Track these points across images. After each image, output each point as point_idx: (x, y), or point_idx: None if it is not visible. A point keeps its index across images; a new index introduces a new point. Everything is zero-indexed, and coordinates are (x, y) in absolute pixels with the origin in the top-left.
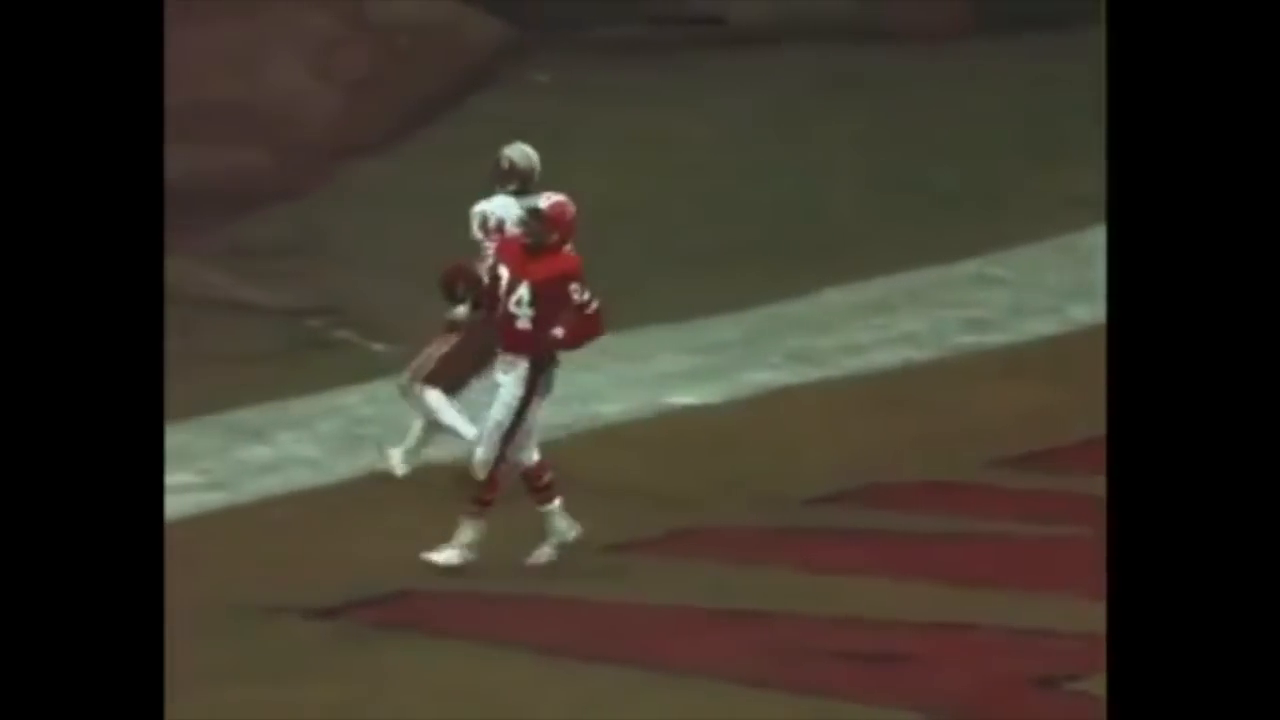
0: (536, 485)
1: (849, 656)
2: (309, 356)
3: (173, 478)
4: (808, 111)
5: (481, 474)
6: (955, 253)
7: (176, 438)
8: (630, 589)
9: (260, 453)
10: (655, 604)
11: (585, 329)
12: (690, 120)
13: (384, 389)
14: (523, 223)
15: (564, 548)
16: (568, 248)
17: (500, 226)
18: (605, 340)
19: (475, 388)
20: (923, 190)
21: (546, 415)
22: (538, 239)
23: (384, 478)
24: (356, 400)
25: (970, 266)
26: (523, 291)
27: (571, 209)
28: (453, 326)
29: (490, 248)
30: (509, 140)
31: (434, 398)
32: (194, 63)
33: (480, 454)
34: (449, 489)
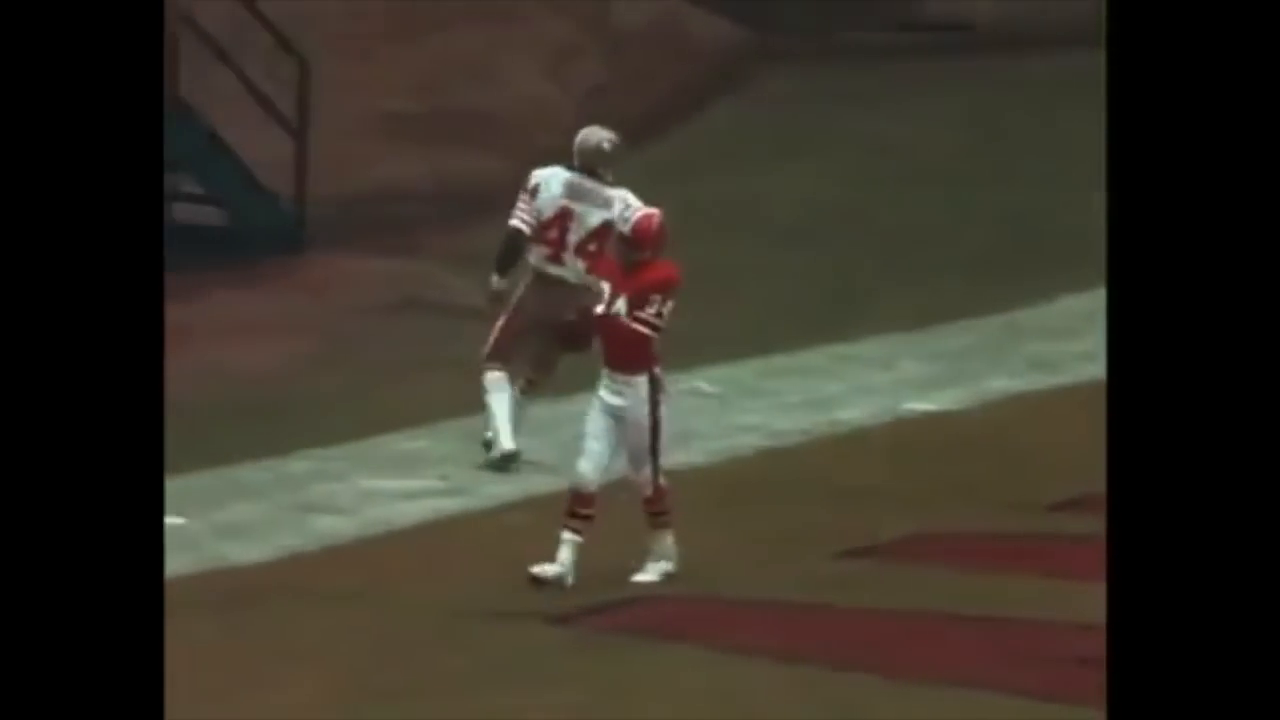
0: (657, 508)
1: (1090, 662)
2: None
3: (411, 483)
4: (1048, 116)
5: (649, 490)
6: None
7: (415, 443)
8: (868, 594)
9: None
10: (893, 609)
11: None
12: (929, 125)
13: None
14: (618, 240)
15: (667, 577)
16: (664, 258)
17: (535, 190)
18: (844, 348)
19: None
20: None
21: (788, 421)
22: (628, 257)
23: (622, 485)
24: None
25: None
26: (620, 306)
27: (654, 220)
28: (496, 298)
29: (523, 204)
30: (743, 146)
31: (493, 383)
32: (437, 70)
33: (640, 477)
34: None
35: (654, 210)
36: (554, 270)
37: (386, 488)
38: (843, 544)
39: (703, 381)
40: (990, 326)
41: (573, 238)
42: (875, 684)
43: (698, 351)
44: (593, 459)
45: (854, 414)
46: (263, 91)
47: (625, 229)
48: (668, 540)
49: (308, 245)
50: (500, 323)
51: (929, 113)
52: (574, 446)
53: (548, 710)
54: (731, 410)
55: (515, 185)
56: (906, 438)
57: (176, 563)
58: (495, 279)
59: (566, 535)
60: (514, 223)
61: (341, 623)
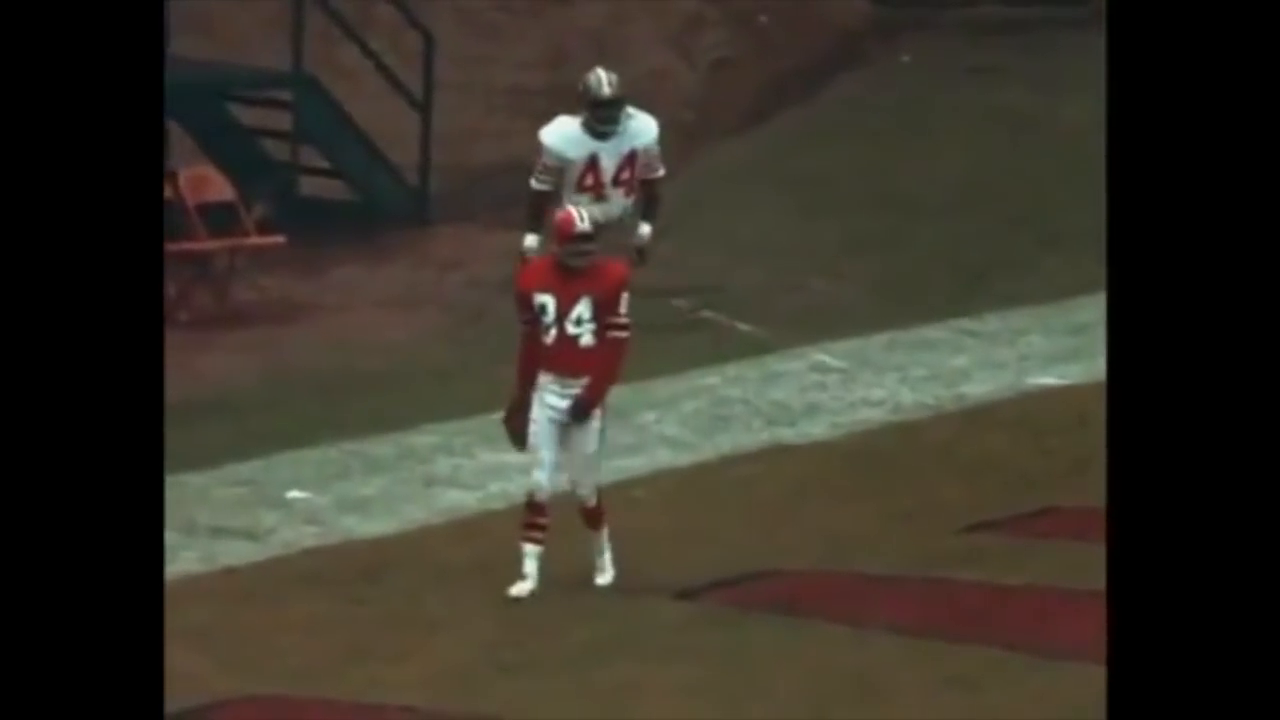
0: (590, 515)
1: None
2: (673, 336)
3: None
4: None
5: (594, 500)
6: None
7: None
8: (993, 569)
9: (623, 432)
10: (1017, 584)
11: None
12: (1051, 99)
13: (749, 369)
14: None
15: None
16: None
17: (552, 152)
18: (970, 322)
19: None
20: None
21: (913, 395)
22: (572, 261)
23: (746, 458)
24: (719, 381)
25: None
26: (582, 309)
27: (564, 217)
28: (524, 258)
29: (542, 165)
30: (869, 120)
31: None
32: (560, 43)
33: (585, 488)
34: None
35: (571, 208)
36: (598, 210)
37: (511, 461)
38: (968, 519)
39: (828, 355)
40: None
41: (607, 174)
42: (997, 657)
43: (823, 325)
44: (546, 468)
45: (980, 388)
46: (388, 66)
47: (644, 149)
48: (602, 536)
49: (432, 219)
50: None
51: (1056, 85)
52: (697, 421)
53: (671, 684)
54: (857, 384)
55: None
56: (1032, 412)
57: (301, 536)
58: (528, 238)
59: (528, 548)
60: (534, 184)
61: (465, 596)
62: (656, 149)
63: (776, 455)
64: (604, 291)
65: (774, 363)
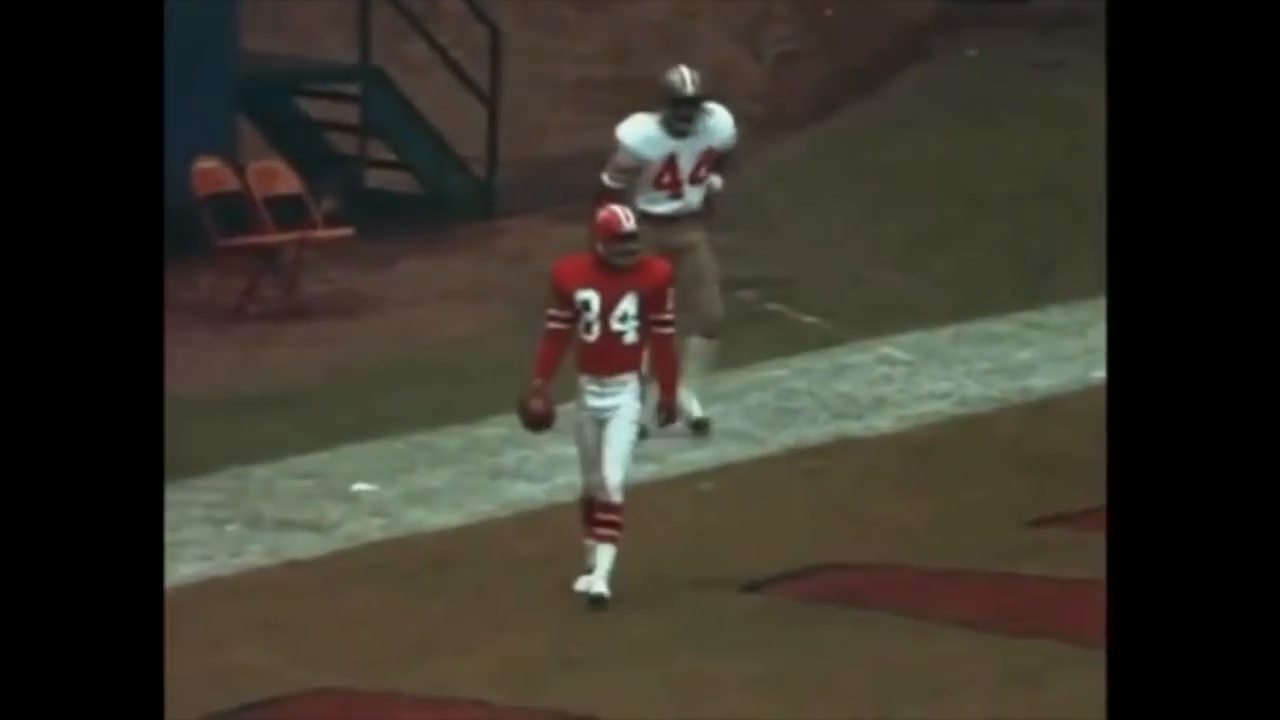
0: (609, 519)
1: None
2: (740, 329)
3: None
4: None
5: (619, 497)
6: None
7: None
8: (1058, 563)
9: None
10: (1083, 578)
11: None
12: None
13: (816, 362)
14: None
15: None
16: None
17: (629, 150)
18: (1035, 315)
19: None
20: None
21: (979, 388)
22: (618, 261)
23: (812, 451)
24: (785, 373)
25: None
26: (628, 306)
27: (608, 216)
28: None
29: (616, 163)
30: (934, 114)
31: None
32: (627, 37)
33: (615, 478)
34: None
35: (615, 206)
36: (673, 206)
37: (577, 453)
38: (1033, 513)
39: (893, 348)
40: None
41: (685, 173)
42: (1061, 651)
43: (889, 318)
44: (594, 467)
45: (1045, 382)
46: (455, 60)
47: (721, 145)
48: (610, 555)
49: (498, 212)
50: None
51: None
52: (763, 414)
53: (738, 677)
54: (922, 377)
55: None
56: (1098, 405)
57: (367, 529)
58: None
59: (592, 543)
60: (607, 182)
61: (533, 588)
62: (733, 144)
63: (842, 448)
64: (650, 288)
65: (840, 355)
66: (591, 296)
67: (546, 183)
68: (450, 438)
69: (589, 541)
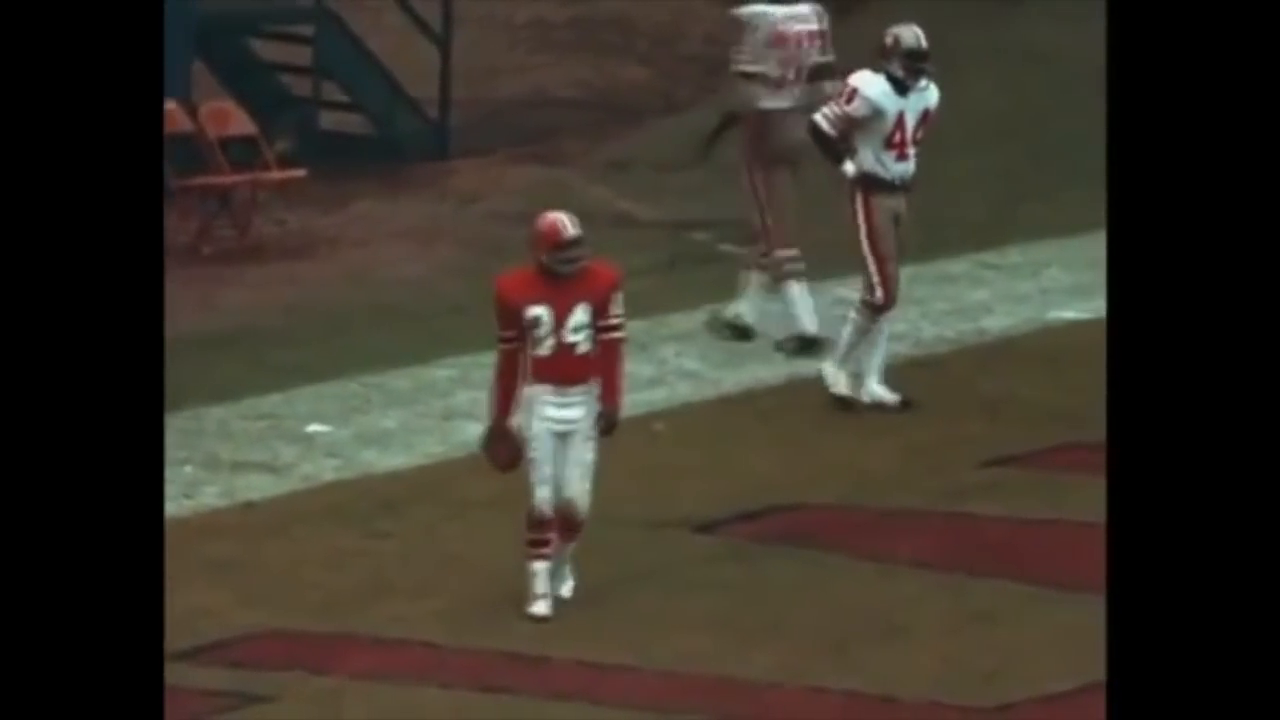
0: (573, 525)
1: None
2: (693, 270)
3: None
4: None
5: (584, 516)
6: None
7: None
8: (1012, 504)
9: (643, 365)
10: (1035, 518)
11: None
12: (1074, 32)
13: (769, 302)
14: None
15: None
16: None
17: (861, 100)
18: (991, 256)
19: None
20: None
21: (934, 329)
22: (560, 268)
23: (766, 392)
24: (739, 313)
25: None
26: (580, 316)
27: (550, 224)
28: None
29: (839, 109)
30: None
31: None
32: None
33: (584, 501)
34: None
35: (553, 214)
36: (903, 169)
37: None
38: (989, 453)
39: (848, 289)
40: None
41: (909, 132)
42: (1016, 591)
43: (843, 260)
44: (549, 483)
45: (1001, 322)
46: (407, 1)
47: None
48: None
49: (451, 153)
50: (870, 240)
51: (1079, 18)
52: (718, 355)
53: (692, 617)
54: None
55: (657, 94)
56: (1054, 346)
57: (320, 469)
58: (848, 166)
59: (538, 566)
60: (823, 125)
61: (484, 530)
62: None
63: (797, 389)
64: (599, 296)
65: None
66: (542, 312)
67: (499, 124)
68: (402, 379)
69: (535, 565)
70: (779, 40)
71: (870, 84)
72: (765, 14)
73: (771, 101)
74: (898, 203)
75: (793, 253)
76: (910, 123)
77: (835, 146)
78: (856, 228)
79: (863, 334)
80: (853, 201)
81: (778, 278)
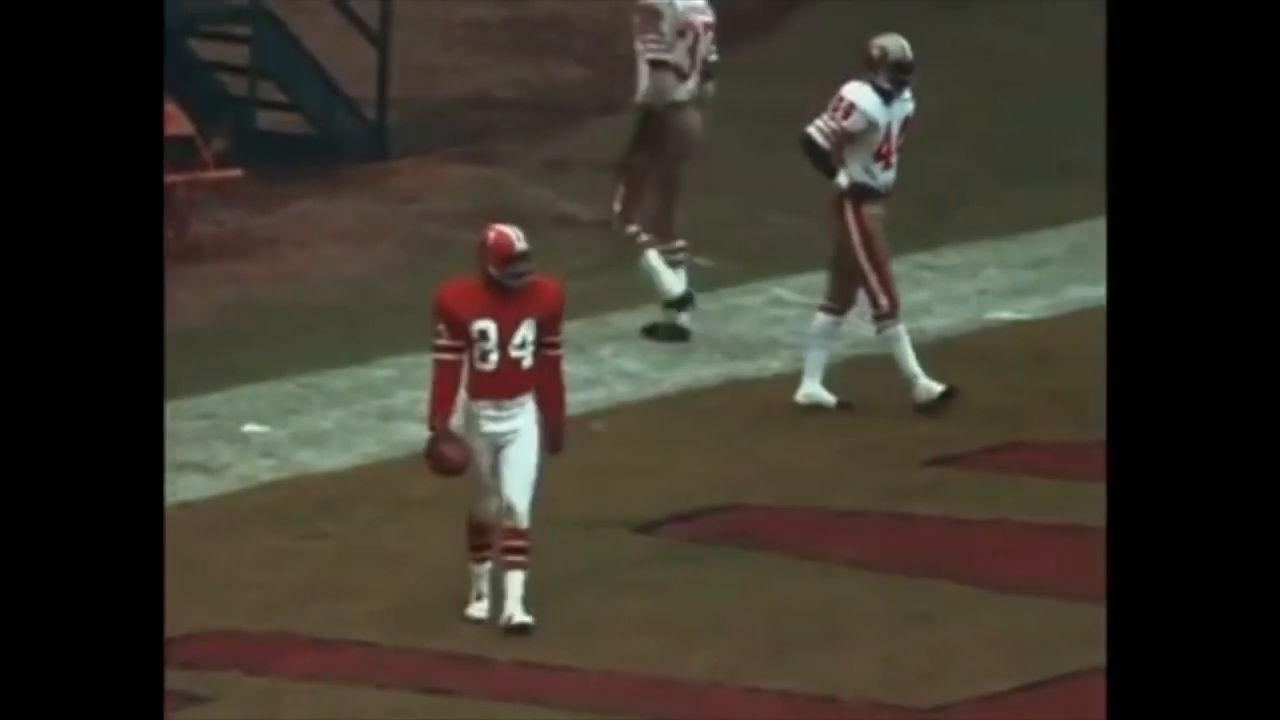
0: (517, 545)
1: None
2: (631, 271)
3: None
4: None
5: (526, 523)
6: None
7: None
8: (952, 504)
9: (581, 366)
10: (975, 519)
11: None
12: (1013, 33)
13: (708, 303)
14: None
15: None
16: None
17: (851, 111)
18: (930, 256)
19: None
20: None
21: (873, 328)
22: (508, 283)
23: (705, 392)
24: (677, 314)
25: None
26: (526, 332)
27: (499, 237)
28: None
29: (830, 120)
30: (829, 53)
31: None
32: None
33: (522, 505)
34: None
35: (502, 227)
36: (888, 178)
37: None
38: (929, 453)
39: (785, 290)
40: (1077, 234)
41: (894, 143)
42: (955, 591)
43: (780, 259)
44: (490, 494)
45: (940, 322)
46: (345, 0)
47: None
48: (521, 581)
49: (390, 153)
50: (866, 249)
51: (1018, 18)
52: (656, 355)
53: (631, 618)
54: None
55: (595, 93)
56: (992, 346)
57: (258, 470)
58: (840, 178)
59: (478, 569)
60: (817, 138)
61: (423, 530)
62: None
63: (735, 389)
64: (547, 312)
65: (732, 297)
66: (489, 326)
67: (438, 123)
68: (340, 379)
69: (476, 567)
70: (686, 28)
71: (863, 97)
72: (672, 2)
73: (681, 93)
74: (881, 210)
75: (682, 243)
76: (895, 132)
77: (828, 159)
78: (848, 238)
79: (828, 338)
80: (842, 213)
81: (635, 251)
